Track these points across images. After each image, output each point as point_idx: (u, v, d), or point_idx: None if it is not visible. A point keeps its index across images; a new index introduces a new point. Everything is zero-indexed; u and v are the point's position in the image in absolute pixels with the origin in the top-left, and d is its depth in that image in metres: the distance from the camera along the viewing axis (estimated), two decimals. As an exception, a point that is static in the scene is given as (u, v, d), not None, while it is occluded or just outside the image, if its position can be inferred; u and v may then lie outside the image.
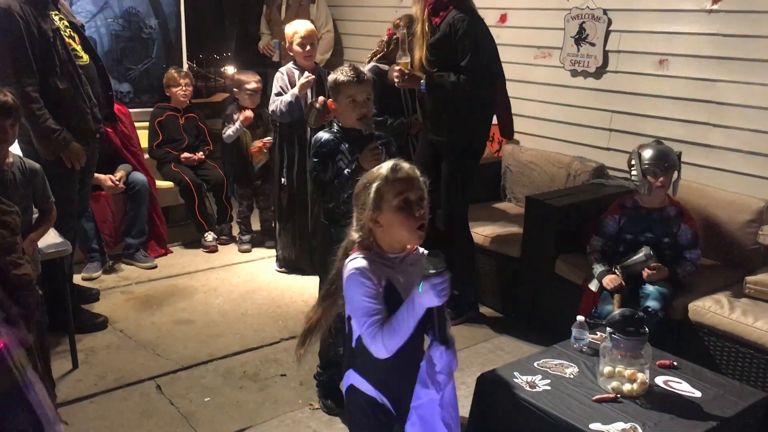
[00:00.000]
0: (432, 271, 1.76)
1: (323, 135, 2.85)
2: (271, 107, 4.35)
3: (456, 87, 3.54)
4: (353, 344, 1.98)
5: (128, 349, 3.57)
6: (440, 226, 3.81)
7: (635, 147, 3.38)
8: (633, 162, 3.33)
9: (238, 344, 3.64)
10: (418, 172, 1.93)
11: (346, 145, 2.81)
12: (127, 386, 3.22)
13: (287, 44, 4.44)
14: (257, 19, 6.34)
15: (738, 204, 3.54)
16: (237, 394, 3.20)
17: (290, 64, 4.41)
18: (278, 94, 4.31)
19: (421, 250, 2.02)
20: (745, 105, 3.64)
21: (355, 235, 1.96)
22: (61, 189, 3.47)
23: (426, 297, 1.77)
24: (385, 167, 1.91)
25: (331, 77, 2.85)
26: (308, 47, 4.35)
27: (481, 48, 3.56)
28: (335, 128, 2.87)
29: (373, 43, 5.77)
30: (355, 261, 1.90)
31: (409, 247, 1.98)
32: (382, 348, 1.84)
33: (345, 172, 2.77)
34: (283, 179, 4.49)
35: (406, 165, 1.93)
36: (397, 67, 3.64)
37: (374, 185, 1.88)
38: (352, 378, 2.04)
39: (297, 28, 4.40)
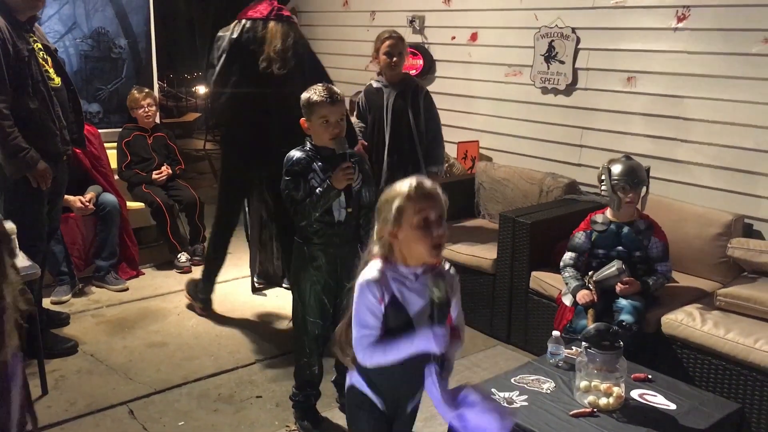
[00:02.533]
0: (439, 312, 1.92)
1: (295, 153, 2.84)
2: None
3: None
4: None
5: (99, 374, 3.50)
6: None
7: (605, 162, 3.42)
8: (603, 177, 3.37)
9: (212, 366, 3.59)
10: (440, 191, 1.95)
11: (319, 164, 2.81)
12: (99, 411, 3.15)
13: None
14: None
15: (706, 218, 3.61)
16: (212, 417, 3.15)
17: None
18: None
19: (447, 266, 2.06)
20: (711, 120, 3.72)
21: (375, 248, 1.99)
22: (29, 209, 3.41)
23: (425, 342, 1.88)
24: (407, 184, 1.93)
25: (304, 96, 2.83)
26: None
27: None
28: (308, 146, 2.86)
29: (347, 62, 5.81)
30: (368, 272, 1.96)
31: (426, 262, 1.99)
32: (368, 359, 1.95)
33: (317, 191, 2.76)
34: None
35: (428, 183, 1.95)
36: None
37: (396, 201, 1.91)
38: (353, 378, 2.09)
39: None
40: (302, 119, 2.85)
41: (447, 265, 2.06)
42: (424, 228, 1.89)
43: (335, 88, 2.82)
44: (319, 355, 3.04)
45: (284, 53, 3.66)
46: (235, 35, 3.71)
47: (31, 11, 3.44)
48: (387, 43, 4.02)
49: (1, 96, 3.25)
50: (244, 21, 3.72)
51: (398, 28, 5.28)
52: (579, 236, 3.46)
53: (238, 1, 4.31)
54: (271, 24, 3.70)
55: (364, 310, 1.93)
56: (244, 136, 3.85)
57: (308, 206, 2.77)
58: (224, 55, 3.72)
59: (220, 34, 3.78)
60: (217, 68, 3.73)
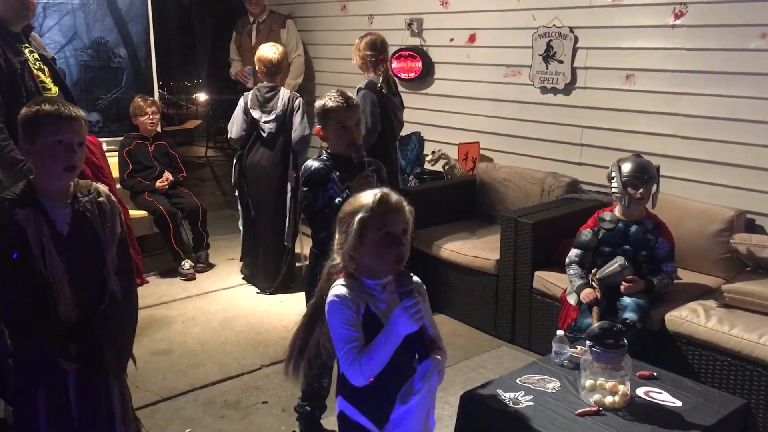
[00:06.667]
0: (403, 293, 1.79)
1: (313, 163, 2.79)
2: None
3: None
4: (341, 371, 1.95)
5: (106, 383, 3.50)
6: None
7: (615, 161, 3.41)
8: (613, 175, 3.36)
9: (218, 373, 3.60)
10: (404, 204, 1.89)
11: (337, 174, 2.75)
12: (106, 420, 3.16)
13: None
14: (227, 45, 6.36)
15: (709, 214, 3.61)
16: (218, 423, 3.15)
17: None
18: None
19: (413, 276, 1.98)
20: (710, 117, 3.73)
21: (337, 258, 1.93)
22: None
23: (401, 323, 1.78)
24: (371, 197, 1.86)
25: (319, 103, 2.79)
26: None
27: None
28: (324, 156, 2.82)
29: (344, 66, 5.83)
30: (336, 288, 1.89)
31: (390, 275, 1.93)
32: (359, 374, 1.82)
33: (336, 200, 2.70)
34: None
35: (393, 197, 1.89)
36: None
37: (358, 215, 1.85)
38: (341, 405, 2.01)
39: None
40: (317, 127, 2.83)
41: (413, 277, 1.95)
42: (386, 243, 1.83)
43: (349, 93, 2.81)
44: (330, 369, 3.01)
45: None
46: None
47: (24, 21, 3.45)
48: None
49: None
50: None
51: (396, 31, 5.34)
52: (586, 233, 3.45)
53: (236, 8, 4.46)
54: None
55: (342, 325, 1.84)
56: None
57: (328, 216, 2.73)
58: None
59: None
60: None
